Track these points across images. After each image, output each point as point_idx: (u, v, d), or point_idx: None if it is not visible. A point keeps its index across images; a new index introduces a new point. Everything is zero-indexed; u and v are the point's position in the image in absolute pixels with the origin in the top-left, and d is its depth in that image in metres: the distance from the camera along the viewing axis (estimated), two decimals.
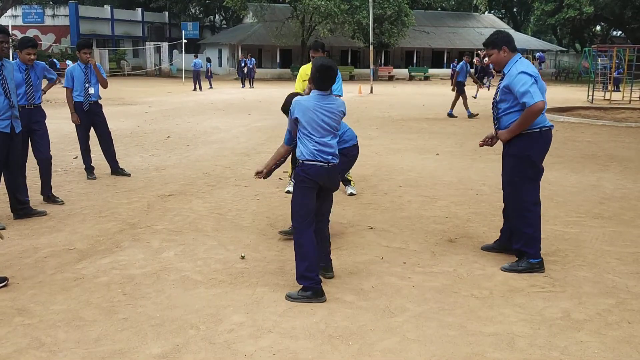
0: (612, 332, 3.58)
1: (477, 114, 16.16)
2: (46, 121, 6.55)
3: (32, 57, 6.27)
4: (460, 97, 16.34)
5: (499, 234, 5.05)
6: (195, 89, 27.62)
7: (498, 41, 4.56)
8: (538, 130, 4.49)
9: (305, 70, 7.00)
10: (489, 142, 4.85)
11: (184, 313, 3.79)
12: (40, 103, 6.51)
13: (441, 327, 3.62)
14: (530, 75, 4.38)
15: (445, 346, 3.40)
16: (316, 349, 3.36)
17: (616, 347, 3.40)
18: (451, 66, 36.34)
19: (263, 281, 4.35)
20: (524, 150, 4.51)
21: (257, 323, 3.65)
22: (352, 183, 7.16)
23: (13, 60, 6.27)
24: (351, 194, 7.03)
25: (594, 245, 5.25)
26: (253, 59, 32.42)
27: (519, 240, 4.63)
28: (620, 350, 3.37)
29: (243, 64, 32.34)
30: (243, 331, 3.55)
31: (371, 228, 5.73)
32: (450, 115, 16.34)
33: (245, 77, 31.96)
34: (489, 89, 26.31)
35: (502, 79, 4.59)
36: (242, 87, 30.93)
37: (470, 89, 20.09)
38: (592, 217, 6.15)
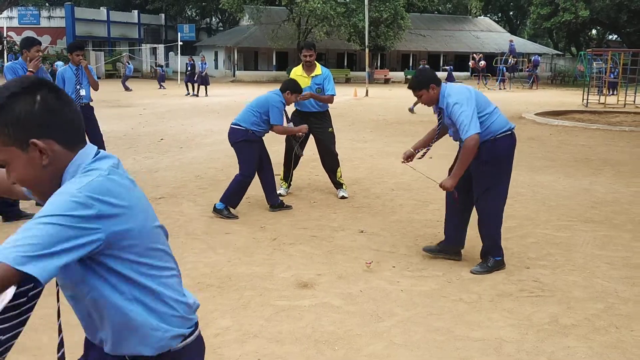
0: (599, 337, 3.57)
1: None
2: None
3: (40, 54, 6.53)
4: None
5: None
6: (129, 90, 27.62)
7: (425, 81, 4.46)
8: (501, 133, 4.49)
9: (296, 72, 7.00)
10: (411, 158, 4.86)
11: None
12: None
13: (428, 332, 3.60)
14: (463, 104, 4.28)
15: (432, 351, 3.38)
16: (302, 353, 3.33)
17: (604, 352, 3.39)
18: (448, 69, 36.39)
19: (251, 285, 4.32)
20: (494, 154, 4.49)
21: (244, 327, 3.63)
22: (344, 186, 7.14)
23: (9, 61, 6.44)
24: (343, 197, 7.00)
25: (584, 249, 5.24)
26: (206, 63, 26.10)
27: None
28: (608, 355, 3.35)
29: (190, 67, 26.10)
30: (229, 335, 3.53)
31: (361, 231, 5.71)
32: None
33: (197, 82, 25.49)
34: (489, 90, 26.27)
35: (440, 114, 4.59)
36: (187, 94, 25.16)
37: None
38: (583, 221, 6.14)
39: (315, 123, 6.92)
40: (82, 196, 1.36)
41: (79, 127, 1.53)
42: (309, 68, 6.90)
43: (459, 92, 4.40)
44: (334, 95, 6.94)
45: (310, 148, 7.39)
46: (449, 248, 4.85)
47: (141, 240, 1.50)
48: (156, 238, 1.58)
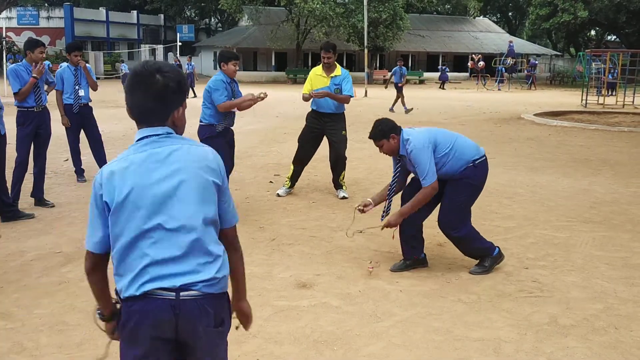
0: (598, 337, 3.57)
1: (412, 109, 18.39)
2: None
3: (43, 55, 6.50)
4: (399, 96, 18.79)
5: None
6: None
7: (386, 130, 4.45)
8: (480, 159, 4.54)
9: (316, 72, 7.02)
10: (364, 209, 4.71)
11: None
12: (46, 104, 6.60)
13: (427, 332, 3.60)
14: (423, 149, 4.32)
15: (430, 351, 3.38)
16: (301, 354, 3.33)
17: (602, 352, 3.39)
18: (444, 70, 36.42)
19: (249, 285, 4.27)
20: (477, 177, 4.56)
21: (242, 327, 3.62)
22: (344, 187, 7.15)
23: (7, 62, 6.41)
24: (343, 198, 7.01)
25: (583, 249, 5.24)
26: (193, 64, 26.42)
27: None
28: (607, 356, 3.35)
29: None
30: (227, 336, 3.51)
31: (360, 232, 5.70)
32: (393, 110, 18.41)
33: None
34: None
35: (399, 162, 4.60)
36: None
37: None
38: (582, 221, 6.14)
39: (329, 124, 6.94)
40: (96, 183, 1.91)
41: (140, 113, 1.96)
42: (328, 69, 6.94)
43: (418, 138, 4.38)
44: (351, 96, 6.95)
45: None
46: (417, 261, 4.76)
47: (121, 214, 1.89)
48: (136, 221, 1.89)
